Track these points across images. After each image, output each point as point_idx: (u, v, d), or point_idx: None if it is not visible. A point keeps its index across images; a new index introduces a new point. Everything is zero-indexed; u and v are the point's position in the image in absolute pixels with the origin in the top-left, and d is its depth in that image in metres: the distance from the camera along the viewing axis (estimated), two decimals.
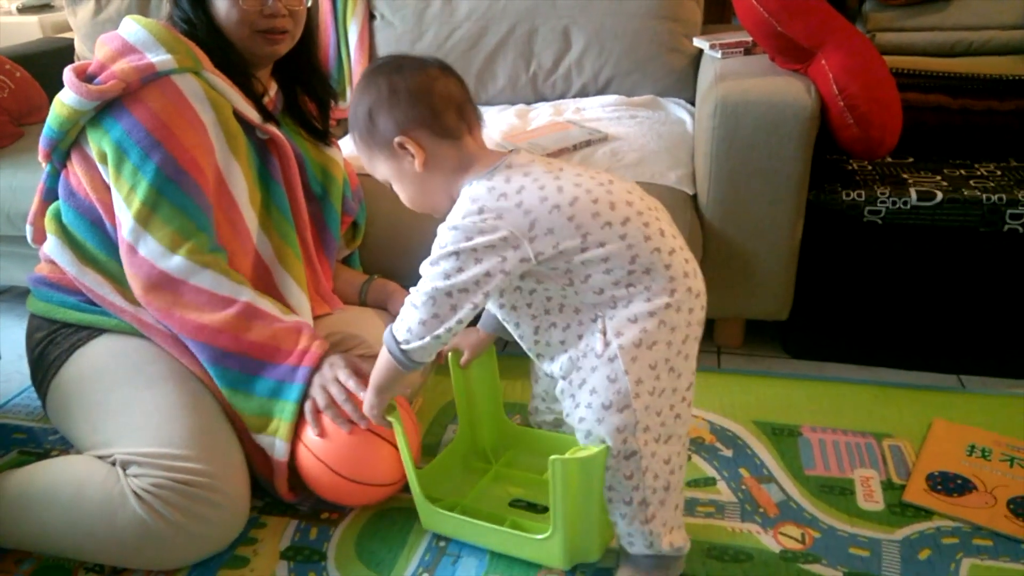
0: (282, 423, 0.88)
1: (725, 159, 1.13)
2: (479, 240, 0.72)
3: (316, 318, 1.03)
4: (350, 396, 0.87)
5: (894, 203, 1.16)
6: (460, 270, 0.72)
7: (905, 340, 1.23)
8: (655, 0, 1.47)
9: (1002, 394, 1.15)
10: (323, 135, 1.10)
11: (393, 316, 1.09)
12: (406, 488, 0.89)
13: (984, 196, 1.13)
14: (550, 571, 0.85)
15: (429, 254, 0.75)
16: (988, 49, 1.44)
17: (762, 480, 0.99)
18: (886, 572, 0.84)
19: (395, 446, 0.87)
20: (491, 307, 0.82)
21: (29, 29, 2.28)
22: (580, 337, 0.77)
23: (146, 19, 0.93)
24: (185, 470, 0.82)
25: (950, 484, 0.96)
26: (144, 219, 0.88)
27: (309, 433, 0.88)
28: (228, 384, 0.89)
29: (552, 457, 0.74)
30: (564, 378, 0.79)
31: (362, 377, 0.87)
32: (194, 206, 0.89)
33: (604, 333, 0.74)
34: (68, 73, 0.90)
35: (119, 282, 0.94)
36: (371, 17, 1.59)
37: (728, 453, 1.04)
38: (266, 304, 0.92)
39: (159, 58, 0.89)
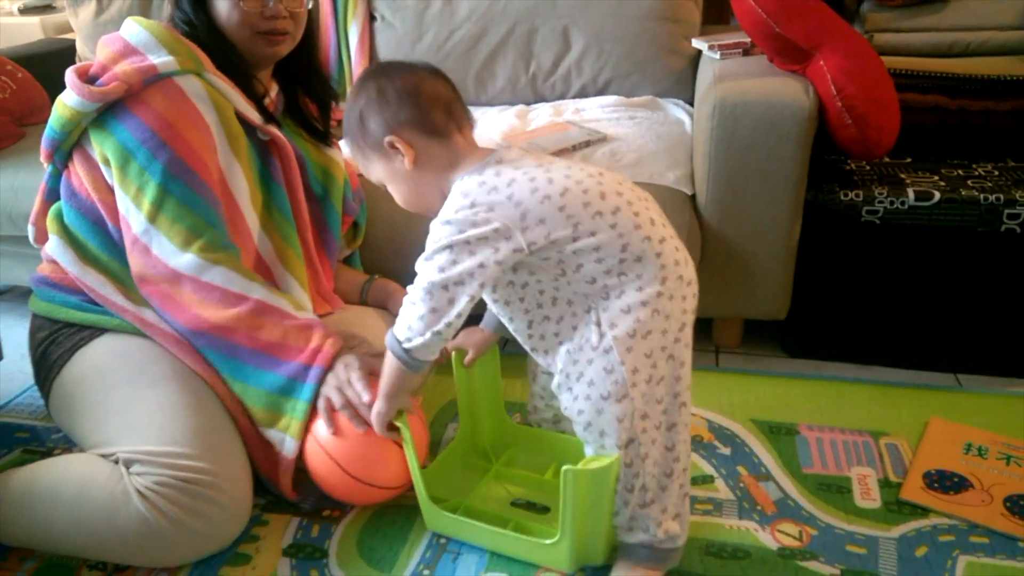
0: (293, 421, 0.89)
1: (723, 159, 1.13)
2: (472, 233, 0.73)
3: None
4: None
5: (892, 203, 1.16)
6: (454, 263, 0.74)
7: (903, 339, 1.24)
8: (654, 1, 1.48)
9: (999, 393, 1.16)
10: (324, 136, 1.10)
11: (394, 316, 1.10)
12: (411, 487, 0.90)
13: (981, 196, 1.14)
14: (549, 569, 0.86)
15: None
16: (986, 50, 1.45)
17: (760, 478, 0.99)
18: (883, 569, 0.85)
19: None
20: (485, 301, 0.83)
21: (30, 30, 2.29)
22: (575, 329, 0.78)
23: (147, 20, 0.93)
24: (188, 468, 0.83)
25: (947, 482, 0.96)
26: (155, 219, 0.89)
27: (321, 431, 0.88)
28: (238, 377, 0.90)
29: (564, 468, 0.75)
30: (561, 371, 0.79)
31: (377, 377, 0.87)
32: (203, 204, 0.90)
33: (599, 325, 0.75)
34: (70, 74, 0.91)
35: (121, 282, 0.95)
36: (371, 18, 1.60)
37: (726, 451, 1.05)
38: (278, 300, 0.92)
39: (161, 60, 0.90)
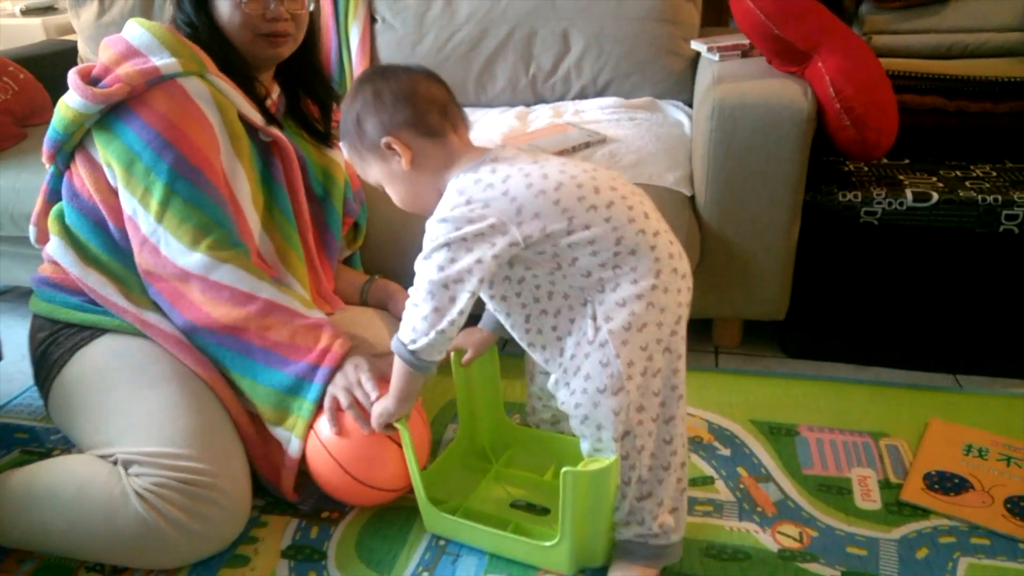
0: (299, 420, 0.89)
1: (723, 161, 1.14)
2: (468, 229, 0.74)
3: None
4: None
5: (890, 204, 1.16)
6: (453, 261, 0.74)
7: (902, 340, 1.24)
8: (653, 3, 1.48)
9: (999, 394, 1.16)
10: (325, 137, 1.10)
11: (394, 316, 1.10)
12: (411, 489, 0.90)
13: (980, 197, 1.14)
14: (549, 571, 0.85)
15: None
16: (984, 51, 1.45)
17: (760, 479, 0.99)
18: (883, 571, 0.84)
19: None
20: (483, 299, 0.83)
21: (32, 31, 2.29)
22: (572, 322, 0.78)
23: (150, 22, 0.94)
24: (187, 469, 0.83)
25: (947, 483, 0.96)
26: (163, 218, 0.89)
27: (324, 429, 0.88)
28: (247, 375, 0.90)
29: (564, 470, 0.75)
30: (560, 366, 0.80)
31: (386, 381, 0.87)
32: (210, 202, 0.90)
33: (594, 318, 0.76)
34: (73, 76, 0.91)
35: (122, 283, 0.95)
36: (372, 20, 1.60)
37: (726, 452, 1.05)
38: (287, 299, 0.92)
39: (163, 61, 0.90)
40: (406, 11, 1.57)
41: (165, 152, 0.88)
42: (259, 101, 0.99)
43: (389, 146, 0.80)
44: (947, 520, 0.91)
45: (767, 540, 0.89)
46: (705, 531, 0.91)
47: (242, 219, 0.95)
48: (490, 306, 0.84)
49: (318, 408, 0.89)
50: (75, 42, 1.80)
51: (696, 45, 1.44)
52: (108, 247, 0.95)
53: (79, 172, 0.95)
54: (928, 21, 1.47)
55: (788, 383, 1.20)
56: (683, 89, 1.52)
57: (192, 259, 0.89)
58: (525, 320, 0.81)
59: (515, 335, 0.84)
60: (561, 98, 1.57)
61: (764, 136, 1.11)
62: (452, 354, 0.97)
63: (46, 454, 1.09)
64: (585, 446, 0.80)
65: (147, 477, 0.82)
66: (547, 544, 0.82)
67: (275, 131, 0.99)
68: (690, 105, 1.48)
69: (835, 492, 0.96)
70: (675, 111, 1.47)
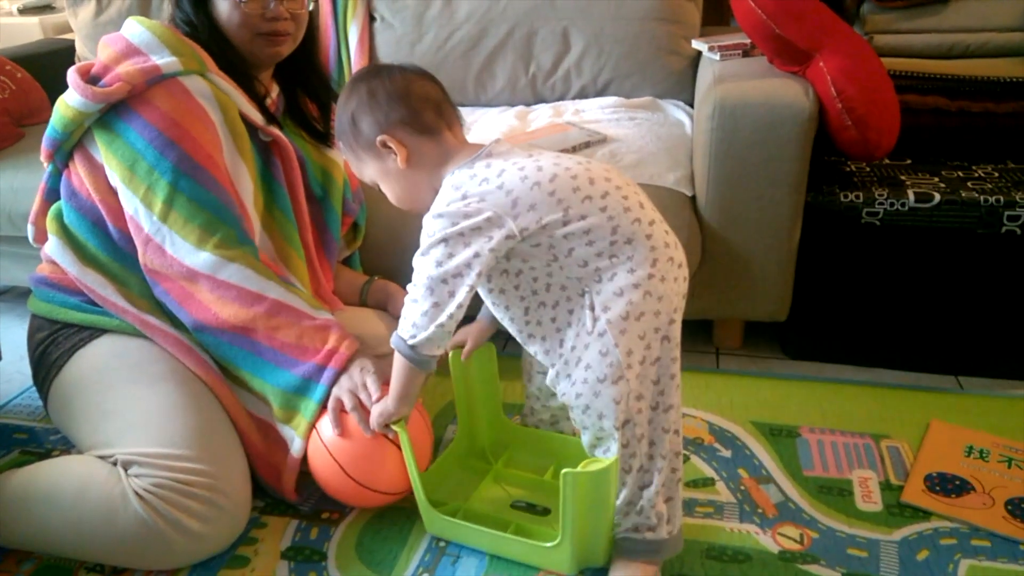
0: (303, 421, 0.89)
1: (724, 161, 1.13)
2: (465, 224, 0.74)
3: None
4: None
5: (892, 205, 1.16)
6: (451, 256, 0.75)
7: (903, 341, 1.24)
8: (654, 2, 1.48)
9: (1000, 395, 1.16)
10: (324, 137, 1.10)
11: (393, 316, 1.10)
12: (411, 491, 0.89)
13: (982, 198, 1.14)
14: (550, 572, 0.85)
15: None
16: (986, 51, 1.45)
17: (761, 481, 0.99)
18: (884, 573, 0.84)
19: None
20: (480, 295, 0.83)
21: (30, 30, 2.29)
22: (571, 313, 0.79)
23: (149, 21, 0.93)
24: (186, 470, 0.82)
25: (948, 485, 0.96)
26: (167, 217, 0.89)
27: (326, 431, 0.88)
28: (257, 374, 0.90)
29: (564, 471, 0.75)
30: (560, 357, 0.80)
31: (387, 383, 0.87)
32: (215, 200, 0.90)
33: (592, 308, 0.76)
34: (72, 74, 0.90)
35: (121, 283, 0.94)
36: (371, 19, 1.60)
37: (727, 454, 1.04)
38: (295, 299, 0.92)
39: (164, 60, 0.89)
40: (405, 10, 1.57)
41: (168, 150, 0.88)
42: (259, 100, 0.99)
43: (385, 144, 0.81)
44: (948, 522, 0.91)
45: (768, 541, 0.89)
46: (706, 532, 0.91)
47: (247, 217, 0.95)
48: (488, 301, 0.84)
49: (322, 409, 0.89)
50: (72, 41, 1.79)
51: (697, 44, 1.44)
52: (107, 247, 0.95)
53: (78, 171, 0.95)
54: (930, 21, 1.46)
55: (789, 384, 1.20)
56: (684, 89, 1.51)
57: (199, 258, 0.89)
58: (524, 313, 0.81)
59: (515, 328, 0.84)
60: (561, 98, 1.56)
61: (765, 136, 1.10)
62: (450, 354, 0.97)
63: (46, 454, 1.09)
64: (586, 437, 0.80)
65: (147, 478, 0.82)
66: (548, 545, 0.82)
67: (275, 130, 0.99)
68: (691, 105, 1.48)
69: (836, 493, 0.96)
70: (676, 111, 1.47)
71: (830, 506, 0.94)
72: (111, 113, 0.90)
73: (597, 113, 1.45)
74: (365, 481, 0.88)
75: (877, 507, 0.94)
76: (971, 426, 1.07)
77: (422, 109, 0.81)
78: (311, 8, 0.99)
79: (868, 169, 1.28)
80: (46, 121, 0.95)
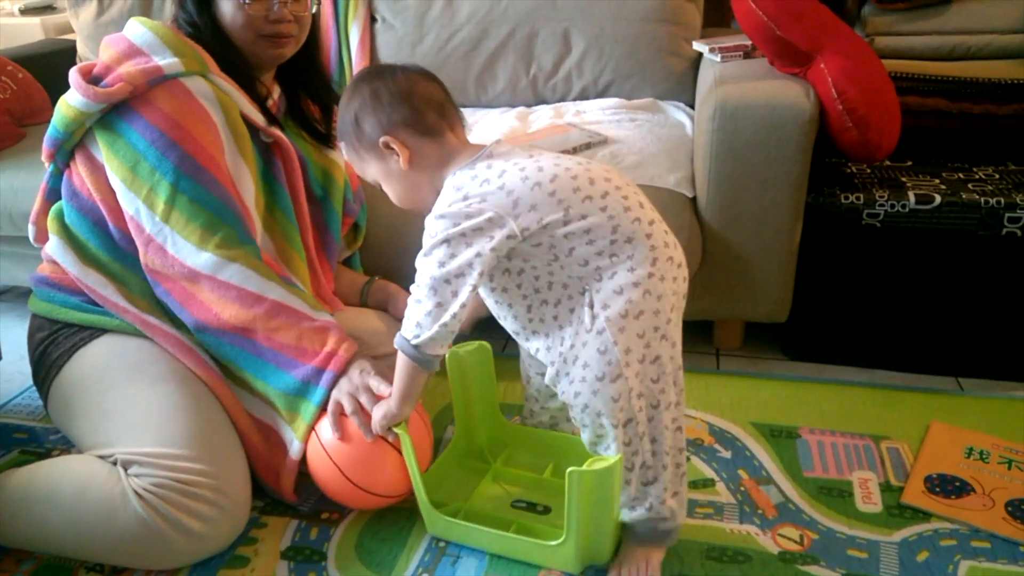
0: (302, 423, 0.89)
1: (724, 162, 1.13)
2: (466, 224, 0.75)
3: None
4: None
5: (892, 206, 1.16)
6: (453, 256, 0.75)
7: (904, 343, 1.24)
8: (655, 3, 1.48)
9: (1000, 397, 1.16)
10: (325, 138, 1.10)
11: (394, 317, 1.10)
12: (411, 492, 0.89)
13: (982, 199, 1.14)
14: (551, 571, 0.85)
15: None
16: (987, 53, 1.45)
17: (761, 482, 0.99)
18: (884, 574, 0.84)
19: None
20: (482, 294, 0.84)
21: (31, 30, 2.29)
22: (572, 311, 0.79)
23: (152, 21, 0.93)
24: (186, 470, 0.82)
25: (948, 486, 0.96)
26: (169, 217, 0.89)
27: (326, 433, 0.88)
28: (259, 376, 0.90)
29: (569, 469, 0.75)
30: (560, 355, 0.80)
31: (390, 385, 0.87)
32: (217, 201, 0.90)
33: (591, 306, 0.76)
34: (74, 74, 0.90)
35: (121, 282, 0.94)
36: (372, 20, 1.60)
37: (727, 455, 1.04)
38: (295, 300, 0.92)
39: (166, 61, 0.90)
40: (406, 11, 1.57)
41: (170, 151, 0.88)
42: (260, 101, 0.99)
43: (387, 145, 0.81)
44: (948, 523, 0.91)
45: (768, 542, 0.89)
46: (706, 533, 0.91)
47: (249, 217, 0.95)
48: (491, 300, 0.84)
49: (321, 412, 0.89)
50: (74, 41, 1.79)
51: (698, 46, 1.44)
52: (107, 247, 0.95)
53: (79, 171, 0.95)
54: (931, 23, 1.47)
55: (789, 385, 1.20)
56: (684, 90, 1.52)
57: (201, 258, 0.89)
58: (527, 310, 0.81)
59: (518, 325, 0.84)
60: (562, 99, 1.57)
61: (766, 137, 1.10)
62: (448, 356, 0.97)
63: (45, 454, 1.09)
64: (586, 435, 0.80)
65: (147, 477, 0.82)
66: (553, 543, 0.82)
67: (277, 132, 0.99)
68: (692, 106, 1.48)
69: (836, 495, 0.96)
70: (677, 112, 1.47)
71: (830, 507, 0.94)
72: (113, 113, 0.90)
73: (598, 114, 1.45)
74: (364, 484, 0.88)
75: (877, 508, 0.94)
76: (971, 427, 1.07)
77: (425, 110, 0.81)
78: (314, 10, 0.99)
79: (869, 170, 1.28)
80: (47, 121, 0.95)
